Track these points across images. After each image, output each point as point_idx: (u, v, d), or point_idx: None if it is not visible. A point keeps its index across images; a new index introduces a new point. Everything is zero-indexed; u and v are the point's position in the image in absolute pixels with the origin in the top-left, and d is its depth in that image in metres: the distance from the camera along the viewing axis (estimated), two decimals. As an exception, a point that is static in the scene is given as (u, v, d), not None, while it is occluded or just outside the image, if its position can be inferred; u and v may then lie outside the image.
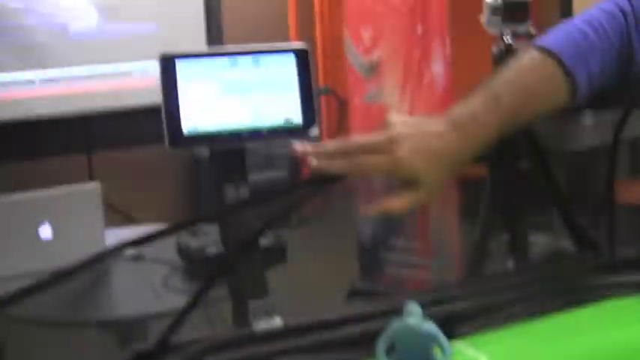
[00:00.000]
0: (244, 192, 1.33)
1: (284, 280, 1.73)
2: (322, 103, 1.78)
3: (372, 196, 5.37)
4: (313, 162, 1.20)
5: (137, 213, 6.92)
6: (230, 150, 1.35)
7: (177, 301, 2.88)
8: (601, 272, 1.31)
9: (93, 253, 1.09)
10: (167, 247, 3.12)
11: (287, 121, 1.35)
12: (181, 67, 1.32)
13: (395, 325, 0.99)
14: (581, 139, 3.81)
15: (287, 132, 1.36)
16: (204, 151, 1.36)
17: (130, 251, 3.14)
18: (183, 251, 3.07)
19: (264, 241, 1.35)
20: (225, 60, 1.34)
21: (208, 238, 2.98)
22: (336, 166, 1.21)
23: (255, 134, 1.35)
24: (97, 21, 6.96)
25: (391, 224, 5.27)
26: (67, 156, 7.10)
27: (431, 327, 0.98)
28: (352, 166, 1.22)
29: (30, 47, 6.76)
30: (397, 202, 1.23)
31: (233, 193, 1.33)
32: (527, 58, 1.38)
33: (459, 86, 5.09)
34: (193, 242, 3.02)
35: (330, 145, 1.24)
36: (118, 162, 7.33)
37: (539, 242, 4.53)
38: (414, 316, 0.98)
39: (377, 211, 1.25)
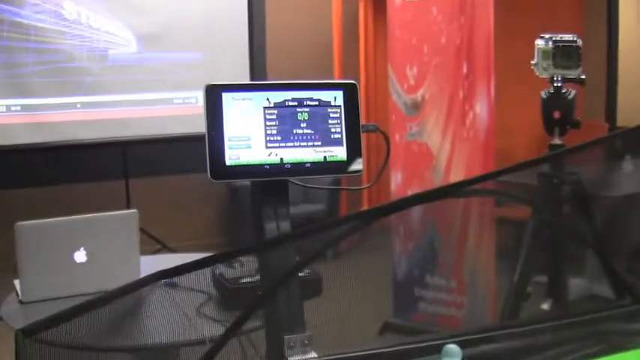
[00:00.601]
0: (285, 226, 1.32)
1: (318, 313, 1.73)
2: (364, 139, 1.80)
3: (407, 233, 5.37)
4: None
5: (172, 239, 6.94)
6: (272, 183, 1.34)
7: (210, 329, 2.87)
8: (637, 318, 1.29)
9: (129, 283, 1.09)
10: (202, 276, 3.10)
11: (331, 155, 1.34)
12: (227, 98, 1.32)
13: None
14: (620, 184, 3.77)
15: (331, 167, 1.35)
16: (243, 181, 1.34)
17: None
18: (218, 280, 3.07)
19: (301, 274, 1.34)
20: (271, 93, 1.33)
21: (244, 269, 2.97)
22: None
23: (299, 168, 1.34)
24: (139, 48, 7.00)
25: (426, 261, 5.26)
26: (105, 181, 7.15)
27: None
28: None
29: (71, 71, 6.80)
30: None
31: (274, 226, 1.32)
32: None
33: (501, 127, 5.08)
34: (228, 272, 3.02)
35: None
36: (155, 188, 7.36)
37: (577, 285, 4.49)
38: (454, 358, 0.97)
39: None
